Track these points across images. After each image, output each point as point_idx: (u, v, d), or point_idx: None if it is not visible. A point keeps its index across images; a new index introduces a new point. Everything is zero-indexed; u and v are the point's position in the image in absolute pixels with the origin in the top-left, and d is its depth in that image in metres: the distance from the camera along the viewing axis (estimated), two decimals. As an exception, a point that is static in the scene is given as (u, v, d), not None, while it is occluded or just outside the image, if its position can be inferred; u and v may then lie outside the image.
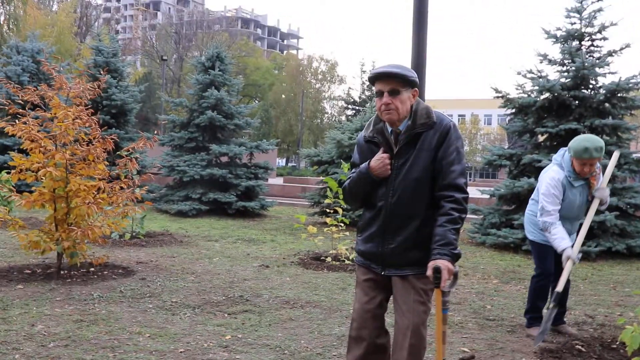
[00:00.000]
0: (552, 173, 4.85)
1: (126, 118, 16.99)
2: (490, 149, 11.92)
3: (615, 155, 4.90)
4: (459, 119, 76.89)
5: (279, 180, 29.18)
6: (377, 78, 2.94)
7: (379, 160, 2.97)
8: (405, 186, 2.93)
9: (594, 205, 4.81)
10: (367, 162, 3.02)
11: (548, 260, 5.09)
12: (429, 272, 2.82)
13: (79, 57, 36.59)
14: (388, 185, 2.97)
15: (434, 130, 2.93)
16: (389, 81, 2.91)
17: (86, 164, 6.74)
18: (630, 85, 10.51)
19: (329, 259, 8.34)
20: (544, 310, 4.61)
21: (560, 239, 4.62)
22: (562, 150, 4.98)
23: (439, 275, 2.78)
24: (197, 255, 8.57)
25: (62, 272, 6.73)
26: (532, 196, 5.28)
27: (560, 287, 4.59)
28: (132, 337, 4.59)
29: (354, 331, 3.12)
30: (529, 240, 5.28)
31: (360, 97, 48.80)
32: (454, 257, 2.83)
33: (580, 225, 4.83)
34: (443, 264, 2.78)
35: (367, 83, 52.67)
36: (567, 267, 4.55)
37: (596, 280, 7.95)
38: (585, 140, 4.66)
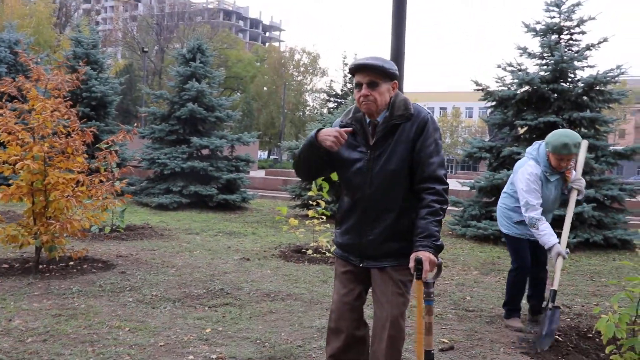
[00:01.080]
0: (530, 168, 4.86)
1: (106, 110, 16.81)
2: (470, 141, 12.00)
3: (584, 144, 4.94)
4: (440, 111, 77.30)
5: (261, 173, 29.14)
6: (356, 70, 2.94)
7: (335, 130, 2.89)
8: (382, 178, 2.94)
9: (573, 197, 4.87)
10: (318, 129, 2.99)
11: (524, 253, 5.14)
12: (411, 264, 2.82)
13: (58, 49, 36.15)
14: (365, 177, 2.97)
15: (412, 122, 2.94)
16: (367, 73, 2.92)
17: (65, 157, 6.68)
18: (608, 78, 10.64)
19: (310, 252, 8.35)
20: (545, 312, 4.60)
21: (549, 234, 4.64)
22: (536, 144, 5.01)
23: (421, 267, 2.79)
24: (178, 249, 8.54)
25: (40, 266, 6.67)
26: (505, 189, 5.31)
27: (555, 285, 4.61)
28: (111, 331, 4.57)
29: (332, 323, 3.13)
30: (504, 233, 5.30)
31: (342, 90, 48.71)
32: (437, 249, 2.84)
33: (556, 217, 4.88)
34: (424, 255, 2.79)
35: (349, 76, 52.59)
36: (558, 263, 4.59)
37: (574, 271, 8.06)
38: (564, 135, 4.67)
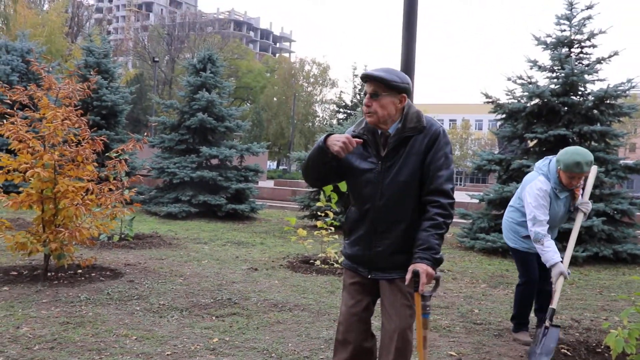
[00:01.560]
0: (540, 184, 4.82)
1: (116, 119, 16.94)
2: (480, 154, 11.97)
3: (594, 169, 4.91)
4: (450, 123, 77.24)
5: (270, 183, 29.17)
6: (363, 79, 2.97)
7: (345, 136, 2.87)
8: (393, 189, 2.93)
9: (579, 219, 4.87)
10: (328, 133, 2.98)
11: (531, 267, 5.11)
12: (408, 276, 2.81)
13: (69, 58, 36.43)
14: (376, 188, 2.96)
15: (424, 135, 2.93)
16: (371, 83, 2.93)
17: (75, 165, 6.71)
18: (618, 92, 10.61)
19: (318, 262, 8.34)
20: (543, 327, 4.57)
21: (553, 252, 4.59)
22: (546, 160, 4.98)
23: (418, 279, 2.78)
24: (186, 258, 8.55)
25: (49, 274, 6.69)
26: (512, 203, 5.28)
27: (554, 304, 4.57)
28: (118, 340, 4.57)
29: (340, 334, 3.12)
30: (510, 247, 5.27)
31: (352, 101, 48.90)
32: (435, 262, 2.83)
33: (560, 232, 4.86)
34: (422, 267, 2.78)
35: (359, 87, 52.84)
36: (559, 283, 4.54)
37: (583, 285, 8.00)
38: (576, 154, 4.64)
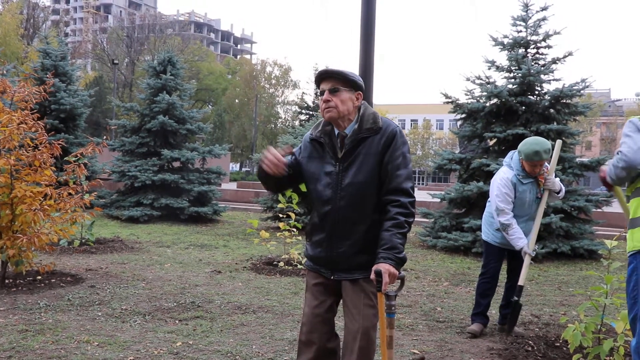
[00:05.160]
0: (502, 173, 5.12)
1: (75, 123, 16.62)
2: (441, 153, 12.11)
3: (558, 144, 5.21)
4: (411, 123, 77.94)
5: (233, 186, 29.02)
6: (320, 78, 3.00)
7: (271, 155, 2.94)
8: (351, 190, 2.94)
9: (544, 197, 5.08)
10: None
11: (492, 260, 5.34)
12: (372, 276, 2.82)
13: (25, 60, 35.69)
14: (334, 190, 2.98)
15: (380, 135, 2.96)
16: (329, 80, 2.98)
17: (32, 170, 6.58)
18: (573, 91, 10.87)
19: (281, 264, 8.33)
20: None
21: (517, 238, 4.96)
22: (510, 153, 5.23)
23: (381, 279, 2.79)
24: (149, 262, 8.45)
25: (6, 281, 6.55)
26: (489, 198, 5.46)
27: (522, 281, 4.97)
28: (80, 346, 4.51)
29: (303, 335, 3.13)
30: (482, 240, 5.52)
31: (313, 102, 48.82)
32: (398, 261, 2.83)
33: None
34: (384, 267, 2.78)
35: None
36: (526, 261, 4.96)
37: (542, 281, 8.18)
38: (535, 143, 4.91)
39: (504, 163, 5.27)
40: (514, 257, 5.29)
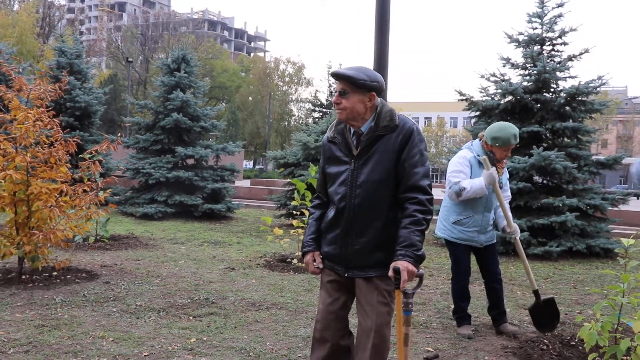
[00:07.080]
0: (461, 153, 5.09)
1: (90, 120, 16.75)
2: (454, 151, 12.06)
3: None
4: (425, 121, 77.68)
5: (246, 183, 29.11)
6: (333, 77, 3.01)
7: (309, 266, 3.22)
8: (367, 188, 2.94)
9: (497, 190, 4.91)
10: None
11: (459, 261, 5.22)
12: (390, 273, 2.81)
13: (41, 59, 35.99)
14: (350, 187, 2.98)
15: (397, 133, 2.94)
16: (340, 82, 2.97)
17: (48, 167, 6.63)
18: (589, 89, 10.76)
19: (294, 261, 8.34)
20: None
21: (475, 184, 4.82)
22: (469, 142, 5.20)
23: (399, 276, 2.78)
24: (163, 258, 8.49)
25: (23, 277, 6.61)
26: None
27: (533, 286, 5.06)
28: (95, 342, 4.54)
29: (317, 332, 3.13)
30: (444, 239, 5.33)
31: (327, 100, 48.84)
32: (417, 259, 2.82)
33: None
34: (403, 264, 2.77)
35: (334, 86, 52.75)
36: (519, 249, 5.09)
37: (557, 280, 8.12)
38: (510, 127, 4.90)
39: (463, 147, 5.24)
40: (481, 255, 5.22)
